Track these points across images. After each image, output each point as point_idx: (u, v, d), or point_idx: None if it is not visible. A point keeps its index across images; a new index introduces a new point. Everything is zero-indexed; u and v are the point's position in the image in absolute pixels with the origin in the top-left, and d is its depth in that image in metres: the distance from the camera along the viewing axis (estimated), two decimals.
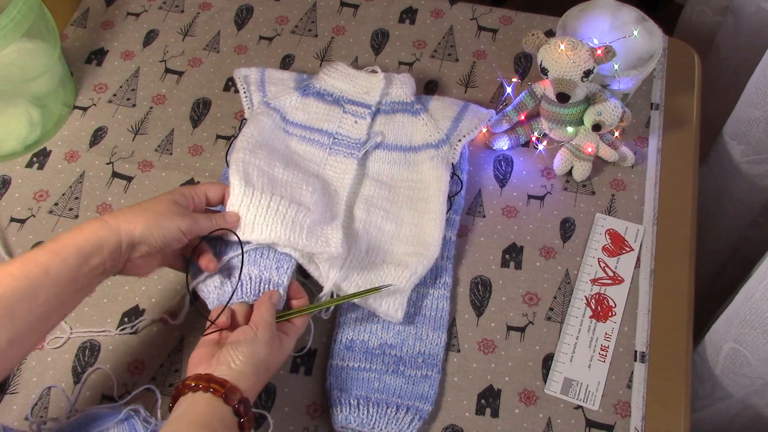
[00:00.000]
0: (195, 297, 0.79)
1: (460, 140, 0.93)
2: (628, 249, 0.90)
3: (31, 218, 0.95)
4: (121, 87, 1.06)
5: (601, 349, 0.83)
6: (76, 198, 0.96)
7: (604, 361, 0.83)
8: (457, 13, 1.12)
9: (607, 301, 0.86)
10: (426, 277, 0.85)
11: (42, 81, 0.98)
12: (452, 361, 0.83)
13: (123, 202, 0.96)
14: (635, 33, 0.92)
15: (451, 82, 1.05)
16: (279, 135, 0.91)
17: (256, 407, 0.81)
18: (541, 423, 0.79)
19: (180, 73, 1.07)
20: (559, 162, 0.95)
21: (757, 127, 0.97)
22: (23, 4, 0.88)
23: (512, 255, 0.90)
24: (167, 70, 1.08)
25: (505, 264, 0.90)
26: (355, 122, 0.94)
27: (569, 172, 0.95)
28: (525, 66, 1.07)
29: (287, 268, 0.79)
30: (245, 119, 0.94)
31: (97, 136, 1.02)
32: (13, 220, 0.95)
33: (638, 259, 0.89)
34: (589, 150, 0.92)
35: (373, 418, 0.78)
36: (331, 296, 0.81)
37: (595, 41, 0.91)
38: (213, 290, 0.78)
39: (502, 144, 0.98)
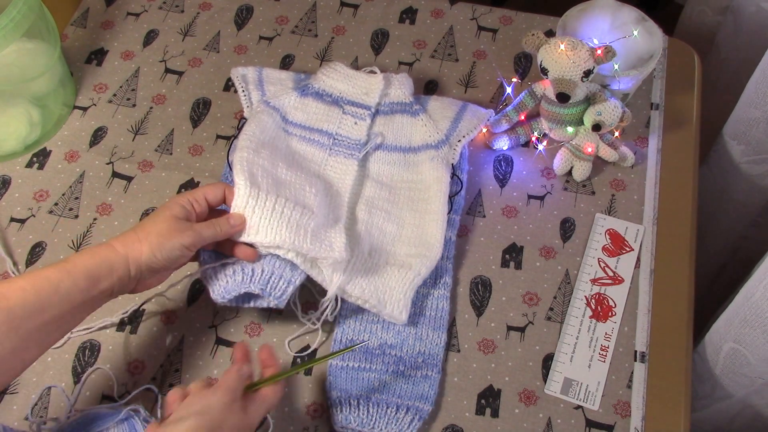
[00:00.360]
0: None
1: (459, 140, 0.93)
2: (628, 249, 0.90)
3: (31, 218, 0.95)
4: (121, 87, 1.06)
5: (601, 349, 0.83)
6: (76, 198, 0.96)
7: (604, 361, 0.83)
8: (457, 13, 1.12)
9: (607, 301, 0.86)
10: (426, 276, 0.85)
11: (42, 81, 0.98)
12: (452, 361, 0.83)
13: (123, 202, 0.96)
14: (635, 33, 0.92)
15: (451, 82, 1.05)
16: (280, 134, 0.91)
17: None
18: (541, 423, 0.79)
19: (180, 73, 1.07)
20: (559, 162, 0.95)
21: (757, 127, 0.97)
22: (23, 4, 0.88)
23: (512, 255, 0.90)
24: (167, 70, 1.08)
25: (505, 264, 0.90)
26: (355, 123, 0.94)
27: (569, 172, 0.95)
28: (525, 66, 1.07)
29: (301, 271, 0.79)
30: (244, 118, 0.94)
31: (97, 136, 1.02)
32: (13, 220, 0.95)
33: (638, 259, 0.89)
34: (589, 150, 0.92)
35: (373, 418, 0.78)
36: (335, 300, 0.81)
37: (595, 41, 0.91)
38: (221, 279, 0.78)
39: (502, 144, 0.98)
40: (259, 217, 0.78)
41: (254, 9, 1.14)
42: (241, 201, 0.78)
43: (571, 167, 0.95)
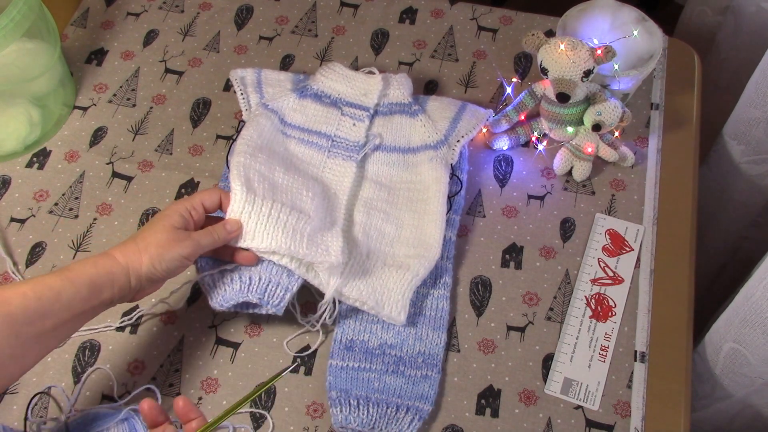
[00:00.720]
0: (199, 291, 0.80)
1: (458, 141, 0.93)
2: (628, 249, 0.90)
3: (31, 218, 0.95)
4: (121, 87, 1.06)
5: (601, 349, 0.83)
6: (76, 198, 0.96)
7: (604, 361, 0.83)
8: (457, 13, 1.12)
9: (607, 301, 0.86)
10: (426, 277, 0.85)
11: (42, 81, 0.98)
12: (452, 361, 0.83)
13: (123, 202, 0.96)
14: (635, 33, 0.92)
15: (451, 82, 1.05)
16: (278, 137, 0.91)
17: (256, 406, 0.81)
18: (541, 423, 0.79)
19: (180, 73, 1.07)
20: (559, 162, 0.95)
21: (757, 127, 0.97)
22: (23, 4, 0.88)
23: (512, 255, 0.90)
24: (167, 70, 1.08)
25: (505, 264, 0.90)
26: (354, 125, 0.94)
27: (569, 172, 0.95)
28: (525, 66, 1.07)
29: (298, 277, 0.79)
30: (242, 121, 0.94)
31: (97, 136, 1.02)
32: (13, 220, 0.95)
33: (638, 259, 0.89)
34: (589, 150, 0.92)
35: (373, 418, 0.78)
36: (333, 303, 0.81)
37: (595, 41, 0.91)
38: (219, 287, 0.79)
39: (502, 144, 0.98)
40: (255, 223, 0.78)
41: (254, 9, 1.14)
42: (237, 206, 0.79)
43: (571, 167, 0.95)
